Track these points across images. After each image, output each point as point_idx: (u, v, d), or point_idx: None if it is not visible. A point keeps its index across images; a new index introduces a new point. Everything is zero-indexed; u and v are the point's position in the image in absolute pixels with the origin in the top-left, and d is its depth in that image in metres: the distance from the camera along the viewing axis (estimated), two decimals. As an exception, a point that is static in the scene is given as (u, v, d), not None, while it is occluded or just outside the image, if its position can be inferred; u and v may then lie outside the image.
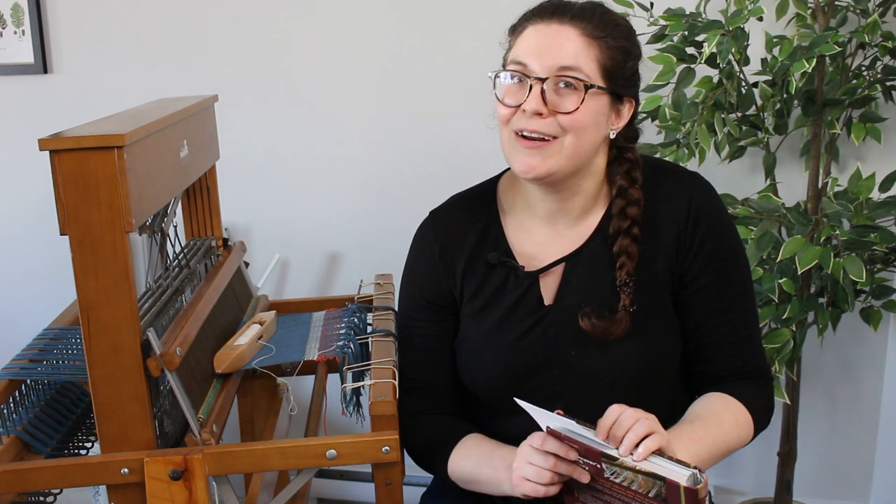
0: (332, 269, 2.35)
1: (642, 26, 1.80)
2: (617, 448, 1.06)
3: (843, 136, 1.96)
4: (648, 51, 1.82)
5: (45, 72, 2.31)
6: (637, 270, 1.24)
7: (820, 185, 1.89)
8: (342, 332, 1.54)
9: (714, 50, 1.74)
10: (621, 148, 1.27)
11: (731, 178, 2.04)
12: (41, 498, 1.42)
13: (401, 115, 2.22)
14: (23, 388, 1.45)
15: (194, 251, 1.68)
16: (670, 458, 1.04)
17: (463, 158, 2.16)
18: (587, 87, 1.17)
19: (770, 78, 1.82)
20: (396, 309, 1.46)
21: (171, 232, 1.58)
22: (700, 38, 1.82)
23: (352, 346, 1.48)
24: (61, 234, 1.16)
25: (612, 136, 1.25)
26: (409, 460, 1.34)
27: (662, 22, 1.85)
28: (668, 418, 1.19)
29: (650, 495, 1.04)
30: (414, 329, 1.37)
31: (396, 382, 1.32)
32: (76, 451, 1.44)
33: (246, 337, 1.50)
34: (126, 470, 1.22)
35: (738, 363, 1.29)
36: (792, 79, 1.73)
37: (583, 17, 1.19)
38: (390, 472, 1.29)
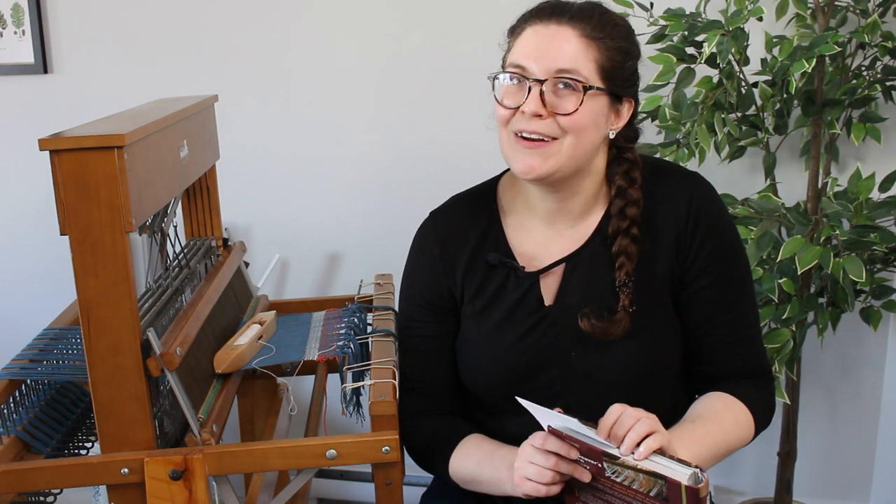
0: (332, 269, 2.35)
1: (642, 26, 1.80)
2: (618, 447, 1.06)
3: (843, 136, 1.96)
4: (648, 51, 1.82)
5: (45, 72, 2.31)
6: (637, 271, 1.24)
7: (820, 185, 1.89)
8: (342, 332, 1.54)
9: (714, 50, 1.74)
10: (621, 148, 1.27)
11: (731, 178, 2.04)
12: (41, 498, 1.42)
13: (401, 115, 2.22)
14: (23, 388, 1.45)
15: (194, 251, 1.68)
16: (671, 458, 1.04)
17: (463, 158, 2.16)
18: (586, 89, 1.17)
19: (770, 78, 1.82)
20: (396, 309, 1.46)
21: (171, 232, 1.58)
22: (700, 38, 1.82)
23: (352, 346, 1.48)
24: (61, 234, 1.16)
25: (612, 136, 1.25)
26: (409, 460, 1.34)
27: (662, 22, 1.85)
28: (669, 418, 1.19)
29: (651, 494, 1.04)
30: (414, 330, 1.36)
31: (396, 382, 1.32)
32: (76, 451, 1.44)
33: (246, 337, 1.50)
34: (126, 470, 1.22)
35: (738, 363, 1.29)
36: (792, 79, 1.73)
37: (581, 18, 1.19)
38: (390, 472, 1.29)
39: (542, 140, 1.18)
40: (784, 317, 1.74)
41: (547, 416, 1.10)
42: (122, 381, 1.21)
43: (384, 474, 1.30)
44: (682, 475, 1.01)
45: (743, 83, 1.85)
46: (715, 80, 1.85)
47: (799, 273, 1.67)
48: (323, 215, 2.31)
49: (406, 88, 2.20)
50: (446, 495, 1.39)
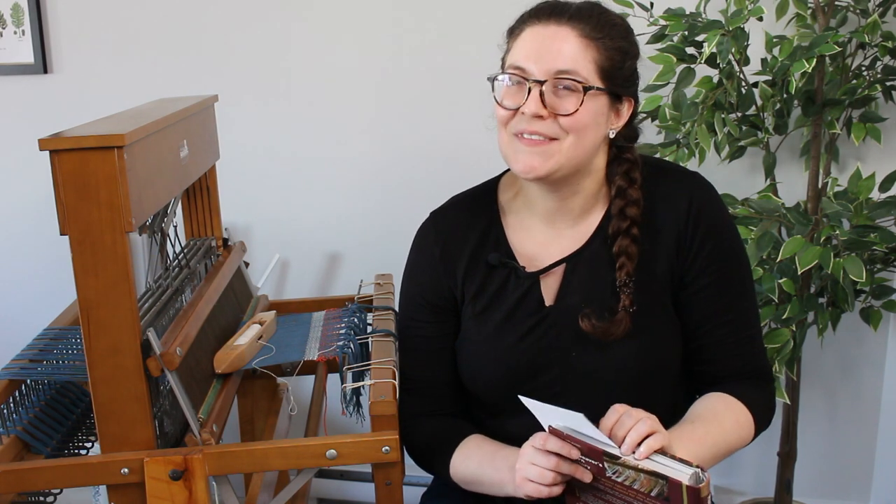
0: (332, 269, 2.35)
1: (642, 26, 1.80)
2: (619, 447, 1.06)
3: (843, 136, 1.96)
4: (648, 51, 1.82)
5: (45, 72, 2.31)
6: (637, 271, 1.24)
7: (820, 185, 1.89)
8: (342, 332, 1.54)
9: (714, 50, 1.74)
10: (621, 148, 1.27)
11: (731, 178, 2.04)
12: (41, 498, 1.42)
13: (401, 115, 2.22)
14: (23, 388, 1.45)
15: (194, 251, 1.68)
16: (672, 457, 1.04)
17: (463, 158, 2.16)
18: (586, 89, 1.17)
19: (770, 78, 1.82)
20: (396, 309, 1.46)
21: (171, 232, 1.58)
22: (700, 38, 1.82)
23: (352, 346, 1.48)
24: (61, 234, 1.16)
25: (612, 136, 1.25)
26: (409, 460, 1.34)
27: (662, 22, 1.85)
28: (669, 418, 1.19)
29: (652, 494, 1.04)
30: (415, 330, 1.36)
31: (396, 382, 1.32)
32: (76, 451, 1.44)
33: (246, 337, 1.50)
34: (126, 470, 1.22)
35: (738, 363, 1.29)
36: (792, 79, 1.73)
37: (580, 18, 1.18)
38: (390, 472, 1.29)
39: (543, 140, 1.18)
40: (784, 317, 1.74)
41: (550, 414, 1.10)
42: (122, 381, 1.21)
43: (384, 474, 1.30)
44: (683, 475, 1.01)
45: (743, 83, 1.85)
46: (715, 80, 1.85)
47: (799, 273, 1.67)
48: (323, 215, 2.31)
49: (406, 88, 2.20)
50: (446, 495, 1.39)
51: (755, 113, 1.89)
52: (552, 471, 1.10)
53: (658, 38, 1.86)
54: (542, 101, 1.17)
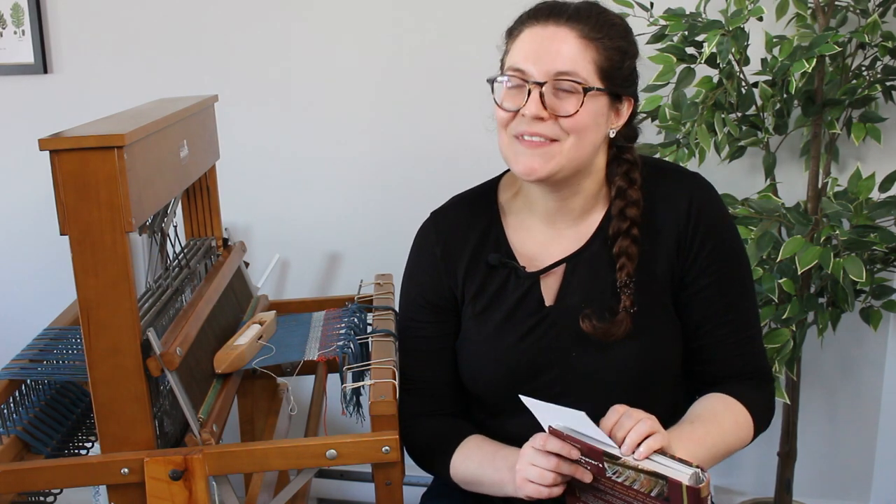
0: (332, 269, 2.35)
1: (642, 26, 1.80)
2: (619, 447, 1.06)
3: (843, 136, 1.96)
4: (648, 51, 1.82)
5: (45, 72, 2.31)
6: (637, 271, 1.24)
7: (820, 185, 1.89)
8: (342, 332, 1.54)
9: (714, 50, 1.74)
10: (620, 148, 1.27)
11: (731, 178, 2.04)
12: (41, 498, 1.42)
13: (400, 115, 2.22)
14: (23, 388, 1.45)
15: (194, 251, 1.68)
16: (672, 458, 1.04)
17: (463, 158, 2.16)
18: (586, 90, 1.16)
19: (770, 78, 1.82)
20: (397, 309, 1.46)
21: (171, 232, 1.58)
22: (700, 38, 1.82)
23: (352, 346, 1.48)
24: (61, 234, 1.16)
25: (612, 135, 1.25)
26: (409, 460, 1.34)
27: (662, 22, 1.85)
28: (669, 419, 1.19)
29: (652, 495, 1.04)
30: (415, 330, 1.36)
31: (396, 382, 1.32)
32: (76, 451, 1.44)
33: (246, 337, 1.50)
34: (126, 470, 1.22)
35: (739, 363, 1.28)
36: (792, 79, 1.73)
37: (579, 19, 1.18)
38: (390, 472, 1.29)
39: (544, 141, 1.18)
40: (784, 317, 1.74)
41: (550, 413, 1.10)
42: (122, 381, 1.21)
43: (384, 474, 1.30)
44: (683, 475, 1.01)
45: (743, 83, 1.85)
46: (715, 80, 1.85)
47: (799, 273, 1.67)
48: (323, 215, 2.31)
49: (406, 88, 2.20)
50: (446, 495, 1.39)
51: (755, 113, 1.89)
52: (552, 471, 1.10)
53: (658, 38, 1.86)
54: (543, 102, 1.17)
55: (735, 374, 1.28)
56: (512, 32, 1.23)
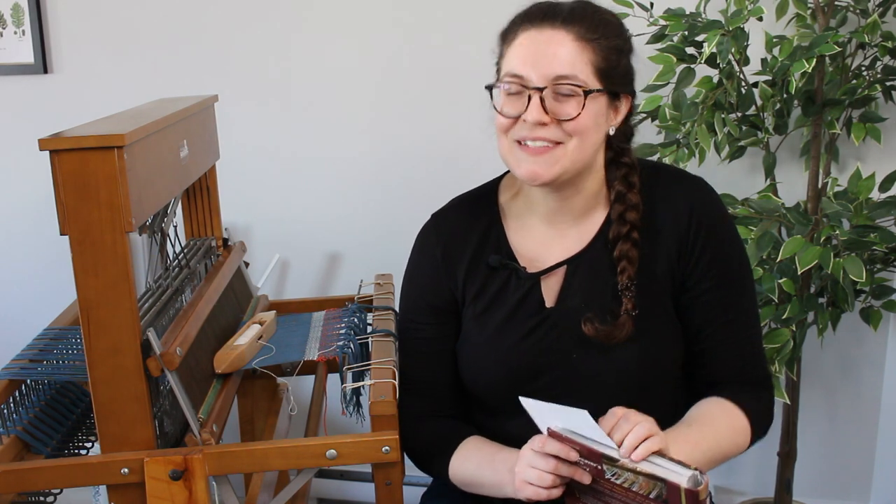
0: (332, 269, 2.35)
1: (642, 26, 1.80)
2: (617, 449, 1.06)
3: (843, 136, 1.96)
4: (648, 51, 1.82)
5: (45, 72, 2.32)
6: (638, 274, 1.24)
7: (820, 185, 1.89)
8: (342, 332, 1.54)
9: (714, 50, 1.74)
10: (618, 151, 1.27)
11: (731, 178, 2.04)
12: (41, 498, 1.42)
13: (401, 115, 2.22)
14: (23, 388, 1.45)
15: (194, 251, 1.68)
16: (671, 460, 1.04)
17: (463, 158, 2.16)
18: (586, 93, 1.16)
19: (770, 78, 1.82)
20: (397, 309, 1.46)
21: (171, 232, 1.58)
22: (700, 38, 1.82)
23: (352, 346, 1.48)
24: (61, 234, 1.16)
25: (612, 133, 1.24)
26: (408, 460, 1.34)
27: (662, 22, 1.84)
28: (669, 421, 1.19)
29: (651, 496, 1.04)
30: (415, 332, 1.36)
31: (396, 382, 1.32)
32: (76, 451, 1.44)
33: (246, 337, 1.50)
34: (126, 470, 1.22)
35: (738, 365, 1.28)
36: (792, 79, 1.73)
37: (574, 20, 1.17)
38: (390, 472, 1.29)
39: (547, 146, 1.18)
40: (784, 317, 1.74)
41: (551, 413, 1.09)
42: (122, 381, 1.21)
43: (384, 474, 1.30)
44: (681, 477, 1.01)
45: (743, 83, 1.85)
46: (715, 80, 1.85)
47: (799, 273, 1.67)
48: (323, 215, 2.31)
49: (406, 88, 2.20)
50: (446, 495, 1.39)
51: (755, 113, 1.89)
52: (551, 473, 1.10)
53: (658, 38, 1.86)
54: (544, 107, 1.16)
55: (735, 376, 1.28)
56: (506, 36, 1.22)
